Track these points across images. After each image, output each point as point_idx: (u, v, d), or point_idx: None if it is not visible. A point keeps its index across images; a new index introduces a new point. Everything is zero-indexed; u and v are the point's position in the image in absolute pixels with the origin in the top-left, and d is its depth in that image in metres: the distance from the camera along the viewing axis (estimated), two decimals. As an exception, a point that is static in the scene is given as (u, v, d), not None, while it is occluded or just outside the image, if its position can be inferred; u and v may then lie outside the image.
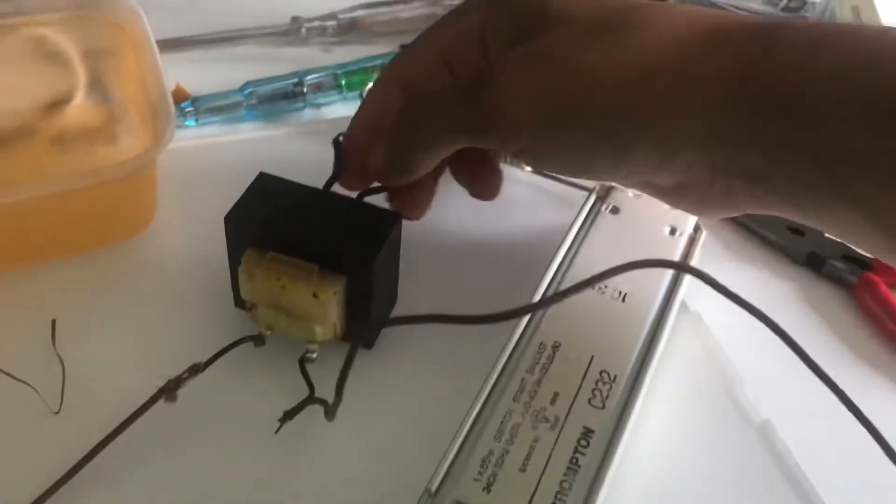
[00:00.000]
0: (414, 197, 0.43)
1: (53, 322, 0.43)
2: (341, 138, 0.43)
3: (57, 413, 0.40)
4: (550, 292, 0.41)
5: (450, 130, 0.38)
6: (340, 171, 0.42)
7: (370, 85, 0.56)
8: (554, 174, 0.52)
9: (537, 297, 0.41)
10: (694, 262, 0.44)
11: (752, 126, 0.32)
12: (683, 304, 0.45)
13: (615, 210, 0.46)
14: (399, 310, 0.45)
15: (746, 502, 0.39)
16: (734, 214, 0.38)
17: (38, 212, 0.45)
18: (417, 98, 0.40)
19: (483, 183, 0.44)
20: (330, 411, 0.34)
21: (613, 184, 0.47)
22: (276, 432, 0.39)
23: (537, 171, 0.53)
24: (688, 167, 0.34)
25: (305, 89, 0.56)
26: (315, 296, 0.39)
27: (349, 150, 0.42)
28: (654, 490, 0.39)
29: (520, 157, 0.38)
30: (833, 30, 0.32)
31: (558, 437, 0.35)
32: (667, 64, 0.33)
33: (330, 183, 0.43)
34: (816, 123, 0.30)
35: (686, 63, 0.33)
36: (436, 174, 0.43)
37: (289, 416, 0.39)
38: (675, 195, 0.38)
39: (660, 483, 0.40)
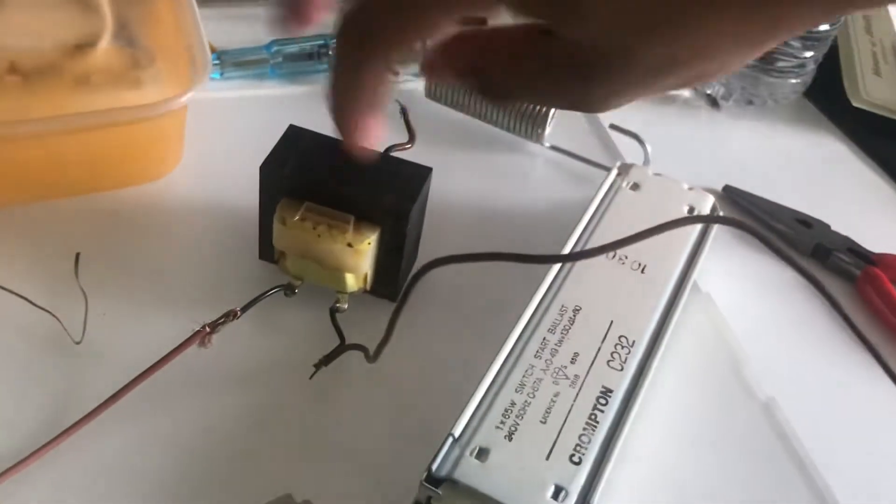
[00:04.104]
0: None
1: (77, 255, 0.43)
2: None
3: (79, 343, 0.40)
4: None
5: None
6: None
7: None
8: (572, 152, 0.53)
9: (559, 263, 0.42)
10: (710, 240, 0.45)
11: None
12: (695, 285, 0.46)
13: (635, 186, 0.47)
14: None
15: (749, 474, 0.41)
16: None
17: (63, 147, 0.46)
18: None
19: None
20: (374, 354, 0.35)
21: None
22: (311, 378, 0.39)
23: (556, 147, 0.54)
24: None
25: (330, 51, 0.57)
26: (350, 245, 0.39)
27: None
28: (661, 456, 0.40)
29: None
30: None
31: (578, 393, 0.36)
32: None
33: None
34: None
35: None
36: None
37: (325, 361, 0.39)
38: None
39: (667, 450, 0.41)
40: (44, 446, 0.35)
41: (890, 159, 0.59)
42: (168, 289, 0.43)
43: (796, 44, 0.58)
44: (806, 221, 0.52)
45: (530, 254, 0.31)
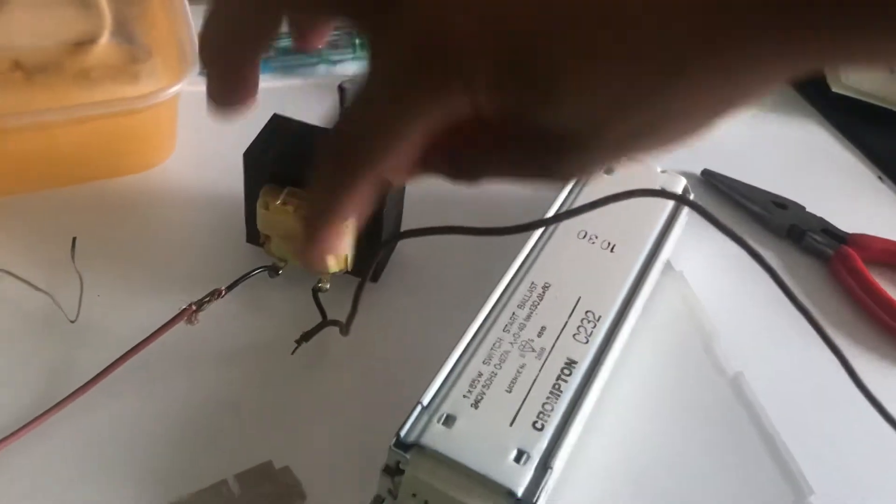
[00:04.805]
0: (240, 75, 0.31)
1: (74, 240, 0.45)
2: (346, 85, 0.46)
3: (74, 322, 0.42)
4: (544, 239, 0.44)
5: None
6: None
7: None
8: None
9: (531, 242, 0.43)
10: (681, 221, 0.47)
11: None
12: (668, 265, 0.48)
13: (608, 170, 0.48)
14: (398, 251, 0.47)
15: (715, 445, 0.42)
16: None
17: (60, 138, 0.48)
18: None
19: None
20: (345, 326, 0.37)
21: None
22: (293, 353, 0.41)
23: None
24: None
25: (321, 46, 0.59)
26: (327, 226, 0.41)
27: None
28: (629, 426, 0.42)
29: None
30: None
31: (543, 364, 0.38)
32: None
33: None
34: None
35: None
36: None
37: (305, 338, 0.41)
38: None
39: (635, 421, 0.42)
40: (37, 418, 0.38)
41: (868, 143, 0.61)
42: (160, 271, 0.46)
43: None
44: (782, 203, 0.54)
45: (483, 227, 0.33)
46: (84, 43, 0.51)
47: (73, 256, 0.45)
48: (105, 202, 0.48)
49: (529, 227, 0.34)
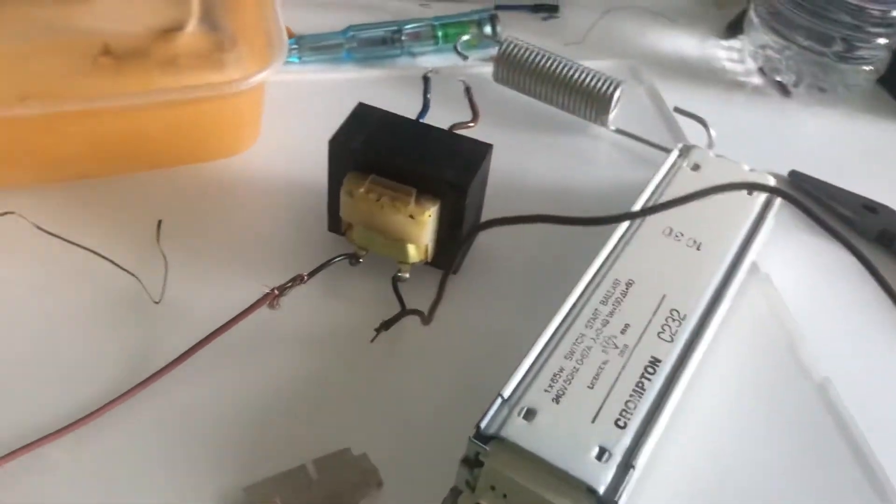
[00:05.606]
0: None
1: (159, 223, 0.46)
2: (430, 74, 0.46)
3: (158, 303, 0.43)
4: (629, 235, 0.43)
5: None
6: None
7: (464, 37, 0.59)
8: (636, 135, 0.54)
9: (615, 238, 0.43)
10: (768, 221, 0.46)
11: None
12: (755, 266, 0.47)
13: (696, 167, 0.47)
14: (479, 242, 0.47)
15: (799, 452, 0.41)
16: None
17: (149, 122, 0.49)
18: None
19: None
20: (428, 315, 0.37)
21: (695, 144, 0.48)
22: (372, 341, 0.41)
23: (620, 130, 0.55)
24: None
25: (404, 37, 0.59)
26: (411, 216, 0.41)
27: None
28: (711, 428, 0.41)
29: None
30: None
31: (626, 362, 0.37)
32: None
33: (422, 113, 0.45)
34: None
35: None
36: None
37: (385, 326, 0.41)
38: None
39: (717, 423, 0.41)
40: (119, 397, 0.38)
41: (965, 148, 0.58)
42: (242, 256, 0.46)
43: (871, 31, 0.58)
44: (872, 207, 0.52)
45: (571, 216, 0.32)
46: (172, 30, 0.52)
47: (158, 239, 0.45)
48: (190, 187, 0.49)
49: (618, 218, 0.34)
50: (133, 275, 0.43)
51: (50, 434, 0.37)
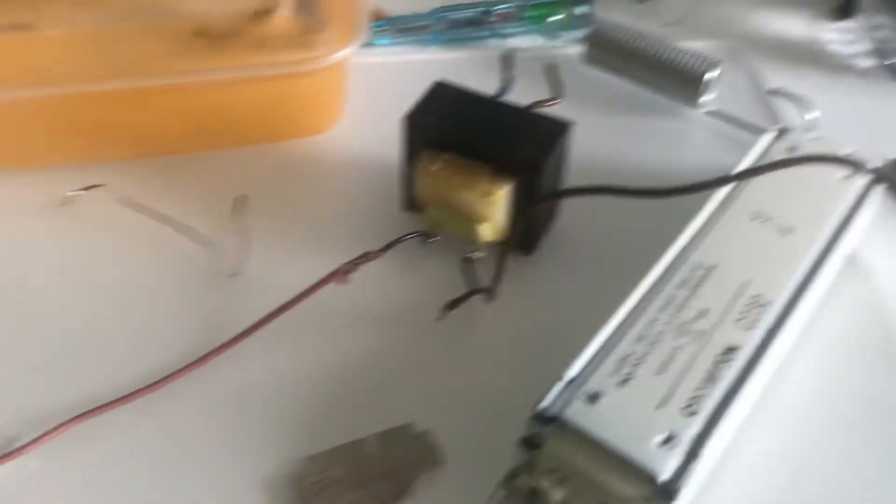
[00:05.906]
0: None
1: (242, 198, 0.47)
2: (508, 53, 0.45)
3: (235, 275, 0.43)
4: (714, 219, 0.41)
5: None
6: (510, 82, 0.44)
7: (553, 17, 0.58)
8: (730, 115, 0.52)
9: (698, 222, 0.41)
10: (866, 208, 0.43)
11: None
12: (854, 257, 0.44)
13: (791, 150, 0.45)
14: (559, 225, 0.46)
15: (892, 458, 0.38)
16: None
17: (236, 99, 0.50)
18: None
19: None
20: (490, 292, 0.36)
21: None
22: (437, 319, 0.41)
23: (713, 112, 0.52)
24: None
25: (493, 18, 0.58)
26: (485, 195, 0.41)
27: None
28: (793, 426, 0.39)
29: None
30: None
31: (701, 349, 0.36)
32: None
33: (501, 92, 0.44)
34: None
35: None
36: None
37: (451, 305, 0.41)
38: None
39: (801, 421, 0.39)
40: (194, 362, 0.39)
41: None
42: (318, 233, 0.46)
43: None
44: None
45: (635, 187, 0.31)
46: (264, 12, 0.53)
47: (240, 213, 0.46)
48: (273, 163, 0.50)
49: (693, 188, 0.32)
50: (213, 246, 0.44)
51: (122, 397, 0.38)
